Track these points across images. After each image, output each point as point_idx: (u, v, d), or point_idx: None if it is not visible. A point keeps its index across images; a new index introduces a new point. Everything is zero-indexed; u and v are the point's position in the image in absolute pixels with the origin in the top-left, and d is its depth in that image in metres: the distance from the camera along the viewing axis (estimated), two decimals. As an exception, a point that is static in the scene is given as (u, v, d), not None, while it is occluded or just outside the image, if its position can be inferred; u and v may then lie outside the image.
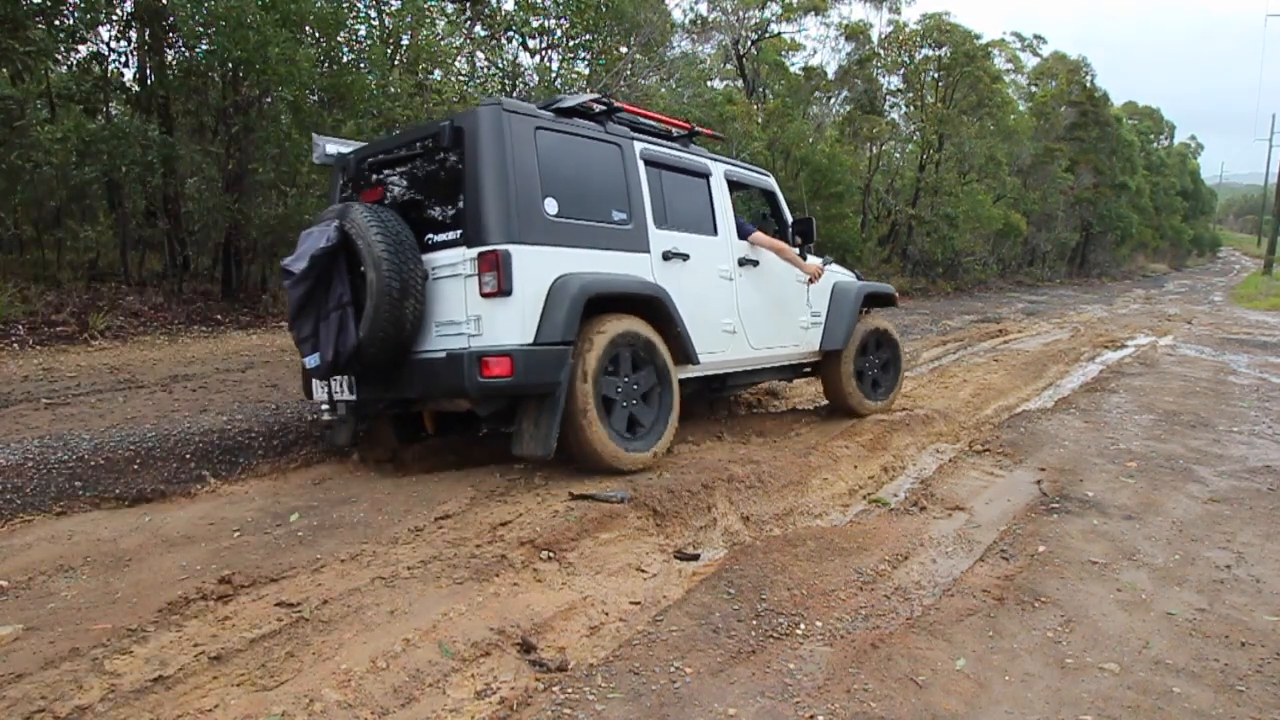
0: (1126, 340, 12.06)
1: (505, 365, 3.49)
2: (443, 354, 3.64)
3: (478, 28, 11.69)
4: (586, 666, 2.52)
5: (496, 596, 2.86)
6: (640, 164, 4.37)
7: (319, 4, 8.43)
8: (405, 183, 4.04)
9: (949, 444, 5.61)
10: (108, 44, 8.21)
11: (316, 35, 8.74)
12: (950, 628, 2.82)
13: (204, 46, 8.17)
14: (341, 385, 3.95)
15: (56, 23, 7.37)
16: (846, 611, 2.94)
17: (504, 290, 3.54)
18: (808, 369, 5.85)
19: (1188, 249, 54.93)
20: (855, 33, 21.09)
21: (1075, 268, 33.88)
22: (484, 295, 3.58)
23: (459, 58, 10.77)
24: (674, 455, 4.59)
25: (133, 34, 8.28)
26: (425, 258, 3.77)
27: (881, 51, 21.68)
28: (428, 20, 9.81)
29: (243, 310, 8.30)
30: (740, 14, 18.60)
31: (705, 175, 4.86)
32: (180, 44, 8.40)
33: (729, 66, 20.05)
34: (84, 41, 7.89)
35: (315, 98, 8.95)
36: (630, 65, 12.65)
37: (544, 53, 12.14)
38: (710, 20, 18.65)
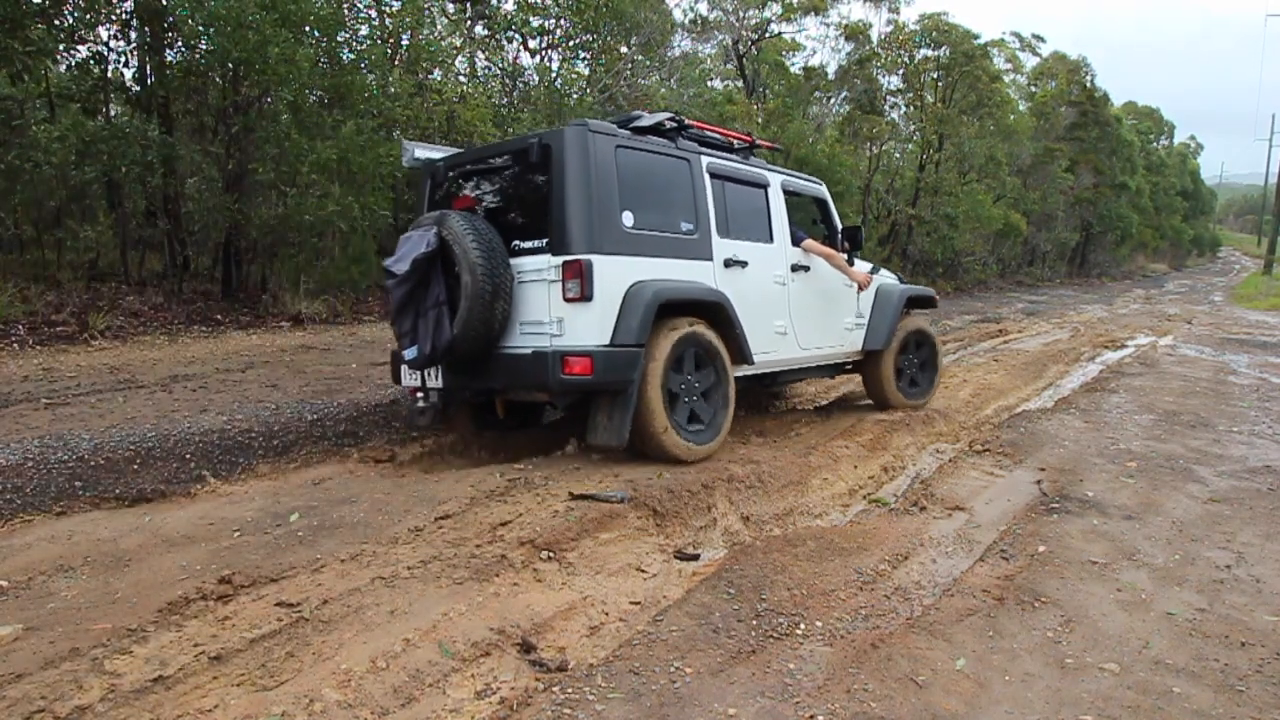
0: (1126, 340, 12.06)
1: (585, 364, 3.84)
2: (529, 351, 4.02)
3: (478, 28, 11.69)
4: (586, 666, 2.52)
5: (496, 596, 2.86)
6: (706, 177, 4.66)
7: (319, 4, 8.43)
8: (494, 192, 4.37)
9: (949, 444, 5.61)
10: (106, 44, 8.21)
11: (316, 35, 8.73)
12: (950, 628, 2.82)
13: (204, 46, 8.17)
14: (432, 374, 4.27)
15: (56, 23, 7.37)
16: (846, 611, 2.94)
17: (585, 296, 3.90)
18: (849, 366, 6.09)
19: (1188, 249, 54.91)
20: (855, 33, 21.08)
21: (1075, 268, 33.87)
22: (567, 300, 3.94)
23: (459, 58, 10.76)
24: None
25: (133, 34, 8.27)
26: (512, 262, 4.09)
27: (881, 51, 21.66)
28: (428, 20, 9.80)
29: (243, 310, 8.30)
30: (740, 14, 18.59)
31: (764, 186, 5.12)
32: (180, 44, 8.40)
33: (729, 66, 20.04)
34: (84, 41, 7.89)
35: (315, 98, 8.95)
36: (630, 65, 12.64)
37: (544, 53, 12.14)
38: (710, 20, 18.65)
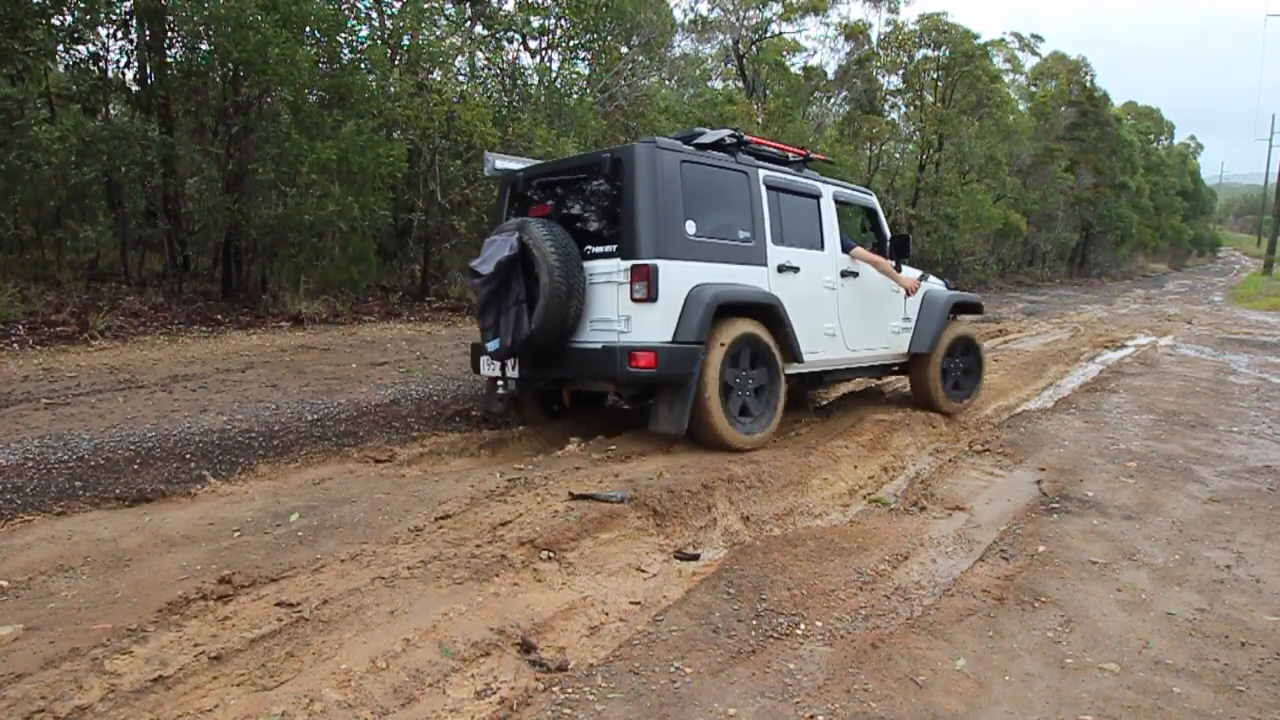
0: (1126, 340, 12.06)
1: (650, 359, 4.22)
2: (599, 345, 4.41)
3: (478, 28, 11.68)
4: (586, 666, 2.52)
5: (496, 596, 2.86)
6: (763, 189, 5.00)
7: (319, 4, 8.42)
8: (569, 201, 4.71)
9: (949, 444, 5.61)
10: (105, 43, 8.21)
11: (316, 35, 8.73)
12: (950, 628, 2.82)
13: (204, 47, 8.16)
14: (510, 365, 4.65)
15: (56, 23, 7.36)
16: (846, 611, 2.94)
17: (651, 297, 4.29)
18: (895, 368, 6.31)
19: (1188, 249, 54.87)
20: (855, 33, 21.08)
21: (1075, 268, 33.85)
22: (634, 300, 4.33)
23: (459, 58, 10.76)
24: (673, 455, 4.59)
25: (133, 34, 8.27)
26: (585, 265, 4.49)
27: (881, 51, 21.66)
28: (428, 20, 9.80)
29: (243, 310, 8.29)
30: (740, 14, 18.59)
31: (816, 197, 5.42)
32: (180, 44, 8.40)
33: (729, 66, 20.04)
34: (84, 41, 7.88)
35: (315, 98, 8.94)
36: (630, 65, 12.64)
37: (544, 53, 12.14)
38: (710, 20, 18.64)
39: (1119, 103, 37.58)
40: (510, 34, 11.56)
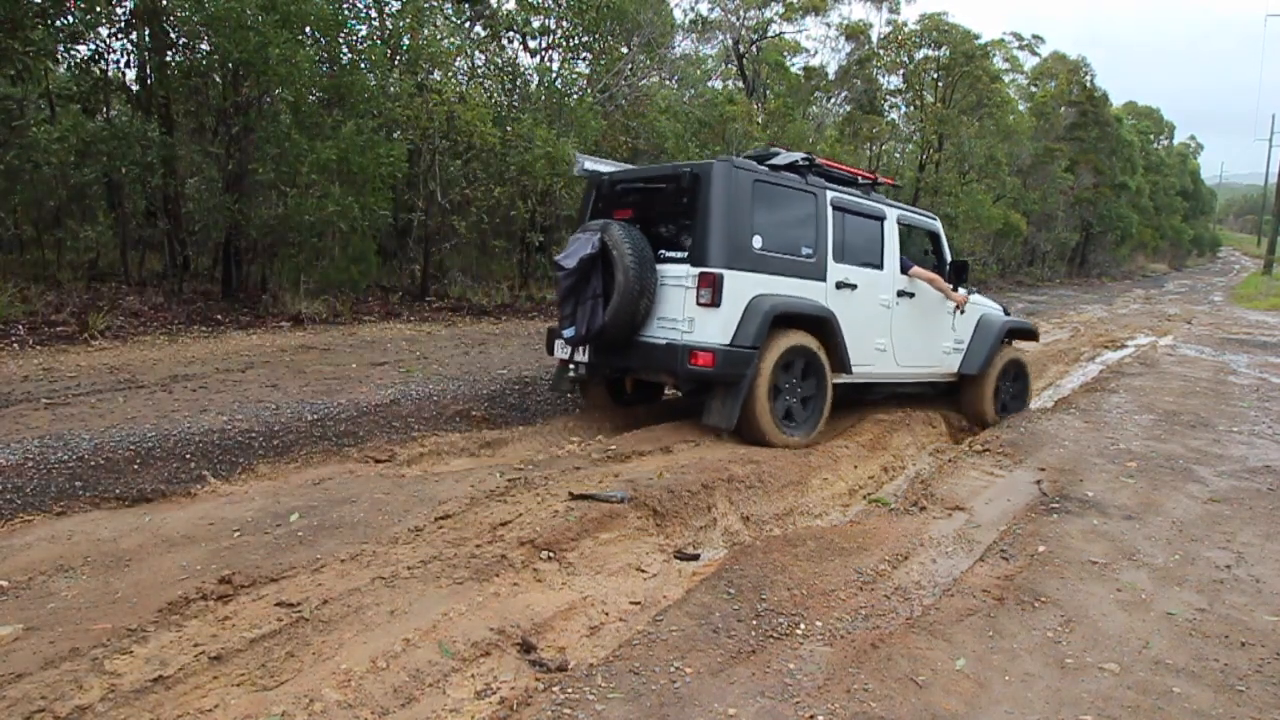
0: (1126, 340, 12.06)
1: (709, 358, 4.55)
2: (664, 341, 4.78)
3: (478, 28, 11.67)
4: (586, 666, 2.51)
5: (496, 596, 2.86)
6: (829, 209, 5.29)
7: (319, 4, 8.42)
8: (648, 207, 5.10)
9: (949, 444, 5.61)
10: (106, 43, 8.20)
11: (316, 35, 8.72)
12: (950, 628, 2.82)
13: (204, 47, 8.16)
14: (581, 351, 5.06)
15: (56, 23, 7.36)
16: (846, 611, 2.94)
17: (715, 303, 4.63)
18: (944, 387, 6.53)
19: (1188, 249, 54.86)
20: (855, 33, 21.08)
21: (1075, 268, 33.85)
22: (699, 304, 4.68)
23: (459, 58, 10.75)
24: (673, 455, 4.59)
25: (133, 34, 8.26)
26: (657, 267, 4.83)
27: (881, 51, 21.66)
28: (428, 20, 9.79)
29: (243, 310, 8.29)
30: (741, 14, 18.58)
31: (880, 219, 5.70)
32: (181, 44, 8.39)
33: (729, 66, 20.04)
34: (83, 41, 7.88)
35: (315, 98, 8.94)
36: (631, 65, 12.64)
37: (544, 53, 12.14)
38: (711, 20, 18.64)
39: (1119, 103, 37.59)
40: (510, 34, 11.56)
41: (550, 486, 3.79)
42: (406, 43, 9.77)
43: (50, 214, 8.21)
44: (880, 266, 5.63)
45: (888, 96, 22.70)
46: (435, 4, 9.88)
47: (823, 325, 5.12)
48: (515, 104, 11.29)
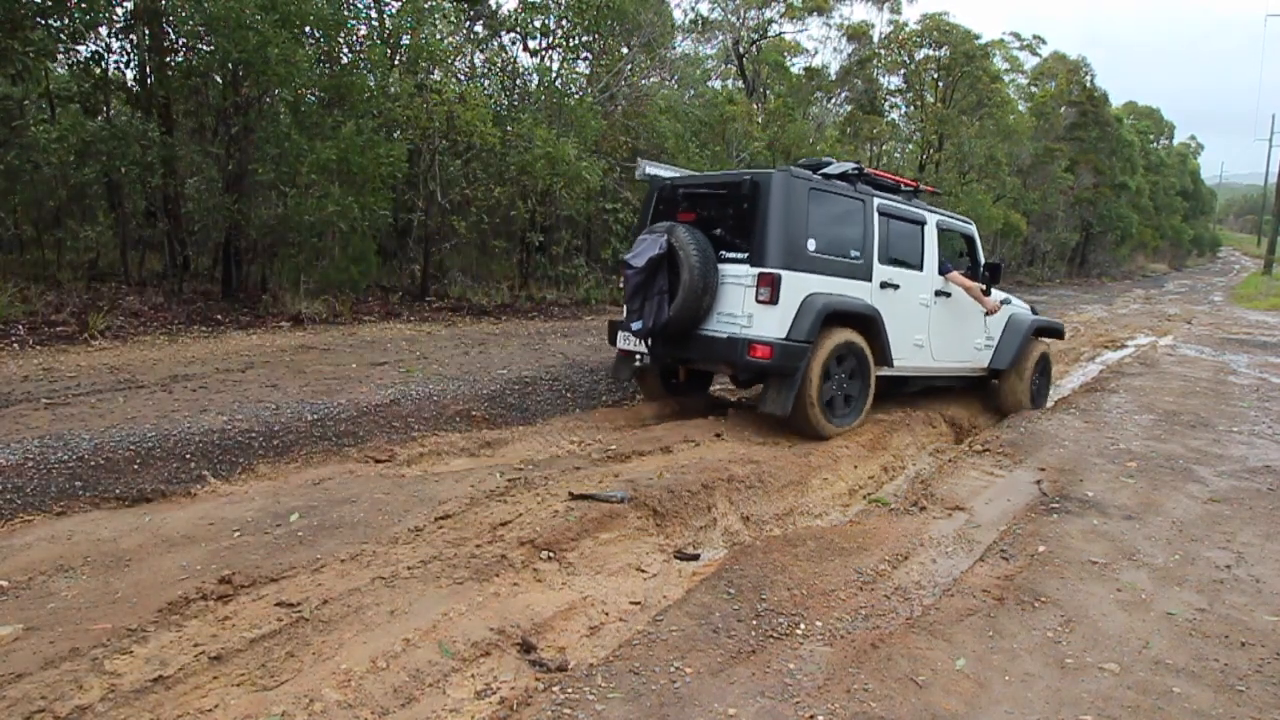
0: (1126, 340, 12.06)
1: (767, 351, 4.89)
2: (724, 335, 5.12)
3: (478, 27, 11.67)
4: (586, 666, 2.51)
5: (496, 596, 2.86)
6: (876, 215, 5.63)
7: (319, 4, 8.41)
8: (710, 211, 5.45)
9: (949, 444, 5.61)
10: (107, 43, 8.20)
11: (316, 35, 8.72)
12: (950, 628, 2.82)
13: (204, 47, 8.15)
14: (644, 343, 5.43)
15: (56, 23, 7.35)
16: (846, 611, 2.94)
17: (772, 300, 4.99)
18: (976, 380, 6.92)
19: (1188, 249, 54.83)
20: (857, 33, 21.08)
21: (1075, 268, 33.83)
22: (758, 301, 5.04)
23: (458, 58, 10.75)
24: (673, 455, 4.59)
25: (133, 34, 8.26)
26: (719, 267, 5.19)
27: (882, 51, 21.66)
28: (428, 20, 9.78)
29: (243, 310, 8.29)
30: (741, 14, 18.58)
31: (921, 224, 6.05)
32: (180, 44, 8.39)
33: (729, 66, 20.03)
34: (83, 41, 7.87)
35: (315, 98, 8.94)
36: (631, 65, 12.63)
37: (544, 53, 12.13)
38: (711, 20, 18.63)
39: (1119, 103, 37.57)
40: (510, 34, 11.55)
41: (550, 486, 3.80)
42: (406, 42, 9.76)
43: (50, 214, 8.20)
44: (920, 268, 5.96)
45: (888, 96, 22.70)
46: (435, 3, 9.86)
47: (868, 322, 5.44)
48: (515, 104, 11.29)
